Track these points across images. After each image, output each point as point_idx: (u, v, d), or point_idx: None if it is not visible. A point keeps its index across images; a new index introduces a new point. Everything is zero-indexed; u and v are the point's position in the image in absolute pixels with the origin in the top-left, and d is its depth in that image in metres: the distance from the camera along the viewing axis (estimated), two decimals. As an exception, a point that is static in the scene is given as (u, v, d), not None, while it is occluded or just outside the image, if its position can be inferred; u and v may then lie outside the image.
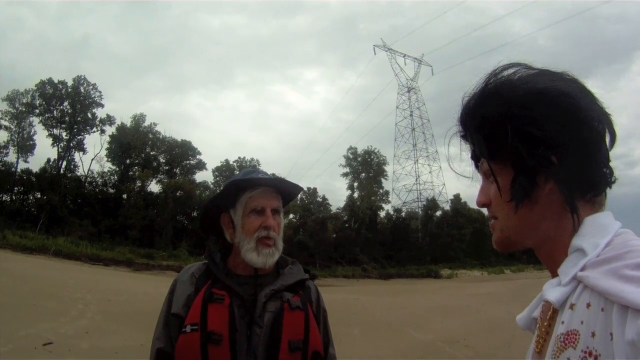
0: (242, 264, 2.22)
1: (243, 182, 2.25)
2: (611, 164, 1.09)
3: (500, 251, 1.23)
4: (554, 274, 1.08)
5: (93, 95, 60.16)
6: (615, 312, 0.86)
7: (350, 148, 77.27)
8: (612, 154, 1.10)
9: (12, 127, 55.78)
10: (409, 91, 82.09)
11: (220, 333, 2.00)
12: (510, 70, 1.13)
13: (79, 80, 59.51)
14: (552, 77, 1.09)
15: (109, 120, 60.83)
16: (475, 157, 1.23)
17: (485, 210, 1.24)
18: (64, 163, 58.13)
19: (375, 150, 77.30)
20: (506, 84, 1.11)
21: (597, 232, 1.01)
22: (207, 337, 1.99)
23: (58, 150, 57.80)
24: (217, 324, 2.03)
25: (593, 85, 1.10)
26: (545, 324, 1.09)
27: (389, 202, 74.97)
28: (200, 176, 66.48)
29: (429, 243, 64.16)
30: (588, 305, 0.93)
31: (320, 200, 71.61)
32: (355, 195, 72.41)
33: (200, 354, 1.97)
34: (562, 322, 0.98)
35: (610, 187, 1.11)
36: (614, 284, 0.87)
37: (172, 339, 2.08)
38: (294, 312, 2.14)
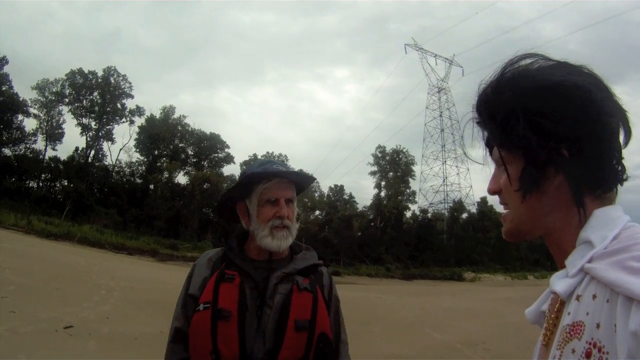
0: (257, 249, 2.32)
1: (258, 175, 2.32)
2: (624, 161, 1.09)
3: (509, 241, 1.23)
4: (562, 266, 1.08)
5: (123, 86, 61.08)
6: (620, 303, 0.86)
7: (379, 147, 76.62)
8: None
9: (41, 115, 56.71)
10: (439, 91, 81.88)
11: (229, 310, 2.10)
12: (528, 60, 1.13)
13: (109, 71, 60.42)
14: (569, 70, 1.08)
15: (139, 111, 61.71)
16: (489, 145, 1.22)
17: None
18: (92, 152, 59.11)
19: (404, 150, 76.72)
20: (523, 73, 1.11)
21: (606, 224, 1.01)
22: (217, 314, 2.10)
23: (86, 139, 58.83)
24: (226, 301, 2.13)
25: (621, 92, 1.10)
26: (552, 316, 1.09)
27: (416, 202, 74.73)
28: (228, 169, 67.12)
29: (454, 245, 64.24)
30: (594, 296, 0.93)
31: (347, 197, 71.67)
32: (382, 194, 72.02)
33: (210, 329, 2.08)
34: (568, 314, 1.00)
35: (622, 184, 1.10)
36: (619, 276, 0.88)
37: (189, 318, 2.19)
38: (302, 293, 2.21)
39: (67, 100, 58.11)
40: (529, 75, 1.08)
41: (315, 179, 2.71)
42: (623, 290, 0.85)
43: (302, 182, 2.50)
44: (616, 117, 1.05)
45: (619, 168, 1.07)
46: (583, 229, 1.02)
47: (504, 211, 1.18)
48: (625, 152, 1.09)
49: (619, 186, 1.09)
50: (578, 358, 0.92)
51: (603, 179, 1.05)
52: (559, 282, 1.04)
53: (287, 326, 2.11)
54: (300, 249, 2.47)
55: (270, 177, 2.30)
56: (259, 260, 2.31)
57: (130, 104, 61.92)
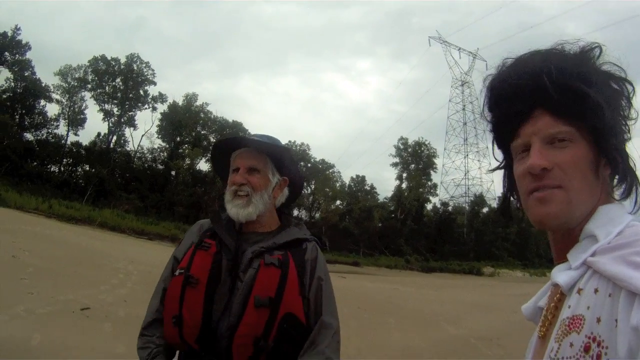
0: None
1: (227, 142, 2.46)
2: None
3: (544, 227, 1.10)
4: (559, 259, 1.11)
5: (146, 73, 61.00)
6: (622, 298, 0.86)
7: (401, 138, 75.75)
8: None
9: (63, 100, 56.97)
10: (462, 85, 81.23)
11: (198, 277, 2.12)
12: (587, 46, 1.12)
13: (132, 58, 60.30)
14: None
15: (161, 97, 61.50)
16: (515, 119, 1.14)
17: None
18: (114, 138, 59.28)
19: (426, 143, 75.89)
20: (593, 57, 1.10)
21: (610, 221, 1.02)
22: (186, 280, 2.13)
23: (109, 125, 58.98)
24: (197, 268, 2.15)
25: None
26: (552, 305, 1.11)
27: (437, 195, 74.52)
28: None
29: (474, 239, 63.82)
30: (596, 290, 0.94)
31: (368, 188, 71.48)
32: (404, 186, 71.64)
33: (179, 295, 2.12)
34: (569, 307, 1.00)
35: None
36: (622, 270, 0.88)
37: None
38: (268, 268, 2.15)
39: (89, 86, 58.16)
40: (595, 62, 1.09)
41: (284, 148, 2.56)
42: (626, 284, 0.86)
43: (274, 152, 2.41)
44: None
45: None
46: (588, 223, 1.04)
47: (544, 192, 1.05)
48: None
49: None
50: (576, 352, 0.92)
51: (627, 176, 1.07)
52: (561, 274, 1.05)
53: (248, 303, 2.08)
54: (290, 223, 2.43)
55: (240, 146, 2.37)
56: (246, 233, 2.31)
57: (152, 90, 61.70)
